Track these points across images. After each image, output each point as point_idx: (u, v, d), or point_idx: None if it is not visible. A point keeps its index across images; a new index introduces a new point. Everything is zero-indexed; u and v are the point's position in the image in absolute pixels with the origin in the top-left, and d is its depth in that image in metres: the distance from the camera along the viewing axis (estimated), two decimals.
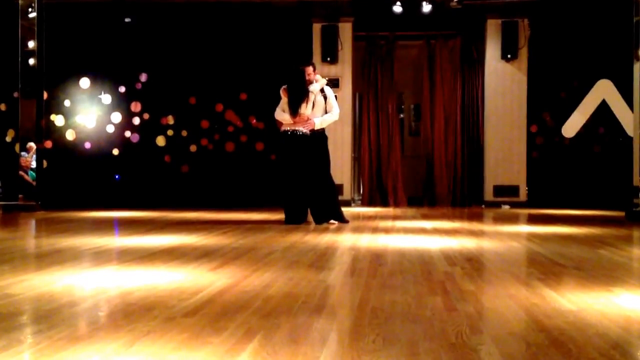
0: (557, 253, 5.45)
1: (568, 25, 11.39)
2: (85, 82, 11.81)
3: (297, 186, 7.71)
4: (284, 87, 7.89)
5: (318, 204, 7.82)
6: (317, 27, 11.49)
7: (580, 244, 6.10)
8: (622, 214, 9.33)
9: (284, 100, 7.83)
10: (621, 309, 3.35)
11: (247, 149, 11.75)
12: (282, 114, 7.82)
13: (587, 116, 11.29)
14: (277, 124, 8.08)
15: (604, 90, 11.22)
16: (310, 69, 7.84)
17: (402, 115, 12.45)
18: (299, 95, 7.72)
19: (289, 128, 7.76)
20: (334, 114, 7.95)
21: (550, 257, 5.25)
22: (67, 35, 11.70)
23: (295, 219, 7.72)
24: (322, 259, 5.15)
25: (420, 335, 2.80)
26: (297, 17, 11.52)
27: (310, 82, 7.81)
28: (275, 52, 11.54)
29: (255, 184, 11.60)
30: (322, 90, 7.92)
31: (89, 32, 11.73)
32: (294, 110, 7.69)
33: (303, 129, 7.70)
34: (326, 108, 7.92)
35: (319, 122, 7.82)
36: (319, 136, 7.87)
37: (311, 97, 7.74)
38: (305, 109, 7.70)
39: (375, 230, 7.32)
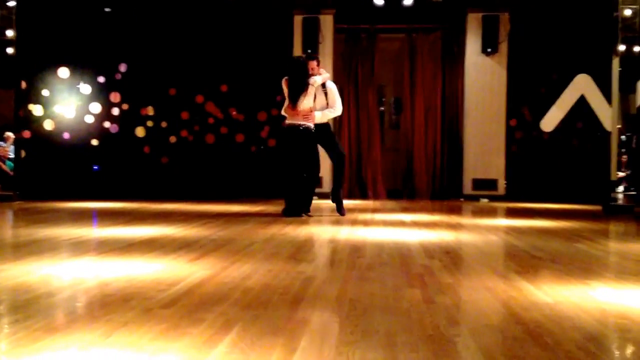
0: (535, 246, 5.50)
1: (548, 20, 11.45)
2: (64, 72, 11.69)
3: (297, 179, 7.68)
4: (285, 78, 7.79)
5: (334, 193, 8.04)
6: (298, 19, 11.46)
7: (557, 238, 6.16)
8: (599, 207, 9.43)
9: (285, 92, 7.76)
10: (597, 302, 3.39)
11: (227, 141, 11.71)
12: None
13: (566, 111, 11.37)
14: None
15: (582, 85, 11.31)
16: (314, 63, 7.76)
17: (382, 108, 12.46)
18: (299, 86, 7.64)
19: (289, 121, 7.69)
20: (337, 108, 7.93)
21: (527, 250, 5.29)
22: (46, 25, 11.56)
23: (293, 212, 7.71)
24: (301, 251, 5.16)
25: (398, 327, 2.82)
26: (278, 9, 11.48)
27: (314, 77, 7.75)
28: (256, 43, 11.51)
29: (235, 176, 11.57)
30: (323, 86, 7.87)
31: (68, 22, 11.60)
32: (294, 102, 7.63)
33: (305, 122, 7.62)
34: (328, 102, 7.89)
35: (320, 115, 7.80)
36: (321, 127, 7.85)
37: (311, 89, 7.66)
38: (304, 101, 7.61)
39: (354, 222, 7.33)
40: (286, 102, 7.76)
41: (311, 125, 7.68)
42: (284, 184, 7.90)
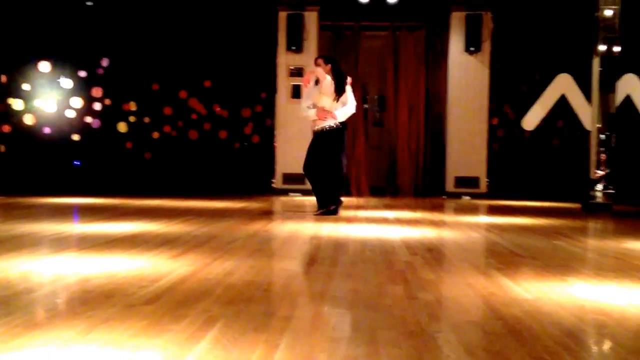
0: (515, 243, 5.54)
1: (530, 20, 11.52)
2: (45, 66, 11.59)
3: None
4: (305, 77, 7.74)
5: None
6: (282, 16, 11.43)
7: (537, 235, 6.21)
8: (578, 205, 9.51)
9: (306, 92, 7.68)
10: (575, 299, 3.43)
11: (210, 137, 11.67)
12: (307, 111, 7.66)
13: (547, 109, 11.43)
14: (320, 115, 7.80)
15: (563, 84, 11.37)
16: (320, 61, 7.74)
17: (366, 106, 12.47)
18: (340, 85, 7.62)
19: (328, 124, 7.57)
20: (351, 106, 7.89)
21: (508, 247, 5.33)
22: (26, 18, 11.46)
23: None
24: (284, 247, 5.16)
25: (380, 323, 2.83)
26: (262, 5, 11.45)
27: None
28: (240, 39, 11.47)
29: (218, 172, 11.54)
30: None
31: (49, 15, 11.50)
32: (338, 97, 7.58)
33: (330, 122, 7.57)
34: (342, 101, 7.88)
35: (341, 114, 7.76)
36: (341, 128, 7.84)
37: (348, 88, 7.68)
38: (336, 101, 7.58)
39: (337, 219, 7.34)
40: (304, 104, 7.71)
41: (334, 125, 7.64)
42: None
